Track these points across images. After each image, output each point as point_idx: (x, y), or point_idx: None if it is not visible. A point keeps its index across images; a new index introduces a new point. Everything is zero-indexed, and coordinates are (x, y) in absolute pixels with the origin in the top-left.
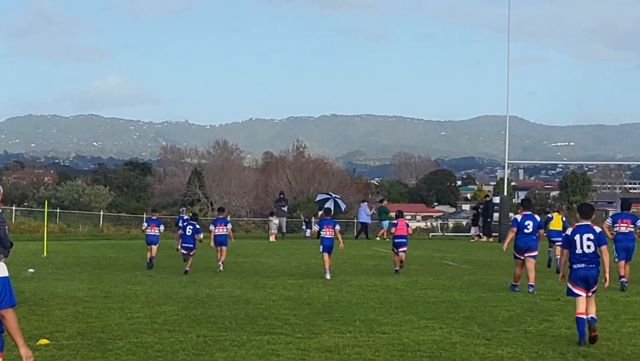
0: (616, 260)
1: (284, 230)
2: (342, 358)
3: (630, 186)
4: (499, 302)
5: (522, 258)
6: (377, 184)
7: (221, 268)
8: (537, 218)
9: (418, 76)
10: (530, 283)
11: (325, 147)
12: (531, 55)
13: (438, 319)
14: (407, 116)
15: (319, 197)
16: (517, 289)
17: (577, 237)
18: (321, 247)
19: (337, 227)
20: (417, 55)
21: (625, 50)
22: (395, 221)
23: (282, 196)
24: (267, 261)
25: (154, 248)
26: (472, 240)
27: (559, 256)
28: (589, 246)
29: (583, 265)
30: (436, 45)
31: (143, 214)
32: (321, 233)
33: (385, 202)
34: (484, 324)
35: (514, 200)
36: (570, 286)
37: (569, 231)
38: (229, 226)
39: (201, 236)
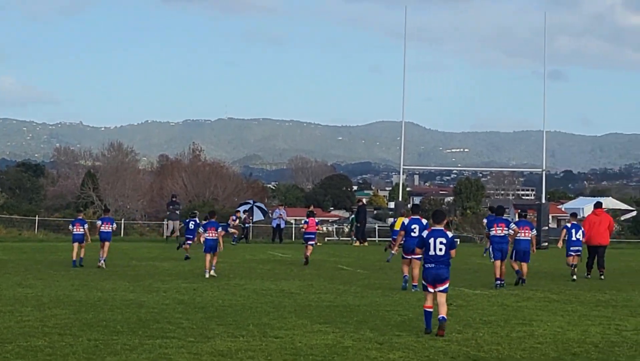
0: (491, 260)
1: (177, 233)
2: None
3: (523, 192)
4: (392, 306)
5: (409, 258)
6: (274, 188)
7: (101, 263)
8: (424, 221)
9: (316, 80)
10: (414, 283)
11: (221, 150)
12: (429, 61)
13: (331, 323)
14: (304, 121)
15: (241, 207)
16: (416, 288)
17: (431, 240)
18: (204, 247)
19: (220, 229)
20: (315, 60)
21: (521, 58)
22: (307, 220)
23: (174, 199)
24: (161, 264)
25: (77, 245)
26: (352, 244)
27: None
28: (440, 249)
29: (433, 265)
30: (334, 50)
31: (35, 217)
32: (205, 234)
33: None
34: (376, 328)
35: (408, 206)
36: (423, 283)
37: (424, 234)
38: (114, 225)
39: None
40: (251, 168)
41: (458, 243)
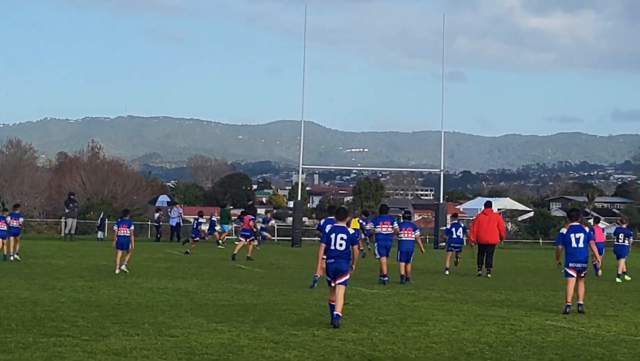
0: (377, 257)
1: (73, 231)
2: None
3: (422, 192)
4: (289, 306)
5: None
6: (173, 186)
7: (14, 256)
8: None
9: (216, 79)
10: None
11: (121, 148)
12: (329, 61)
13: (227, 322)
14: (205, 119)
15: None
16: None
17: (332, 235)
18: (116, 244)
19: (132, 227)
20: (216, 58)
21: (421, 59)
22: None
23: (72, 197)
24: (57, 262)
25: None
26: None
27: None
28: (341, 244)
29: (334, 259)
30: (235, 49)
31: None
32: (118, 231)
33: (229, 206)
34: (272, 327)
35: (308, 205)
36: (327, 278)
37: (327, 229)
38: (21, 219)
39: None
40: (151, 166)
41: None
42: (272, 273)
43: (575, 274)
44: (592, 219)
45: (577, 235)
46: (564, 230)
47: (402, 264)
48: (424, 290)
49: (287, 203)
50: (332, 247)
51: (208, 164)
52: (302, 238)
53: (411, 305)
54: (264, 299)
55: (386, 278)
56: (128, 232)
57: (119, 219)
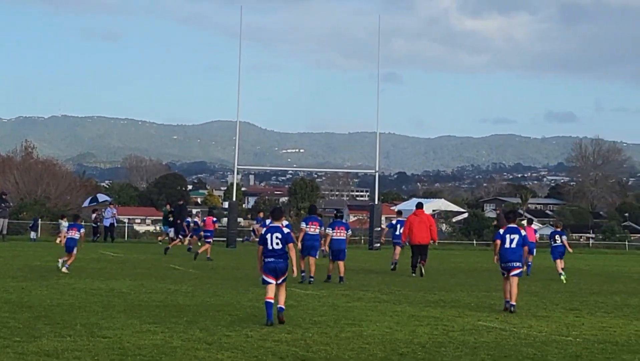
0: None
1: (4, 232)
2: None
3: (357, 193)
4: (223, 307)
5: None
6: (107, 186)
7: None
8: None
9: (151, 78)
10: (311, 276)
11: (55, 148)
12: (265, 62)
13: (161, 323)
14: (139, 119)
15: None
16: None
17: (268, 235)
18: (65, 247)
19: (82, 230)
20: (151, 58)
21: (357, 60)
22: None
23: (4, 196)
24: None
25: None
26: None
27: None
28: (277, 243)
29: (272, 259)
30: (171, 48)
31: None
32: (67, 233)
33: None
34: (206, 328)
35: (244, 205)
36: (263, 276)
37: (263, 231)
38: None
39: None
40: (85, 166)
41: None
42: (206, 274)
43: (506, 273)
44: (525, 221)
45: (512, 236)
46: (501, 231)
47: (335, 263)
48: (358, 291)
49: (222, 203)
50: (270, 247)
51: (143, 164)
52: (237, 239)
53: (345, 305)
54: (197, 300)
55: (312, 279)
56: (77, 235)
57: (71, 223)
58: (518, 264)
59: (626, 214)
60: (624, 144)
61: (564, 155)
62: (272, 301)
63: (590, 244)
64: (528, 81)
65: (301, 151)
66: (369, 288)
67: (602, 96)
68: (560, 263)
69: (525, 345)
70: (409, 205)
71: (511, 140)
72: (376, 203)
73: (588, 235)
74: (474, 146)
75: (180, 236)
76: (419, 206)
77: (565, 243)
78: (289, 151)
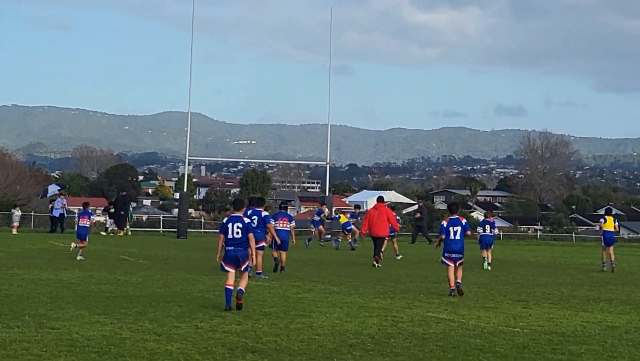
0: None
1: None
2: (8, 354)
3: (308, 185)
4: (173, 298)
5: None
6: (58, 177)
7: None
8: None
9: (103, 69)
10: (258, 271)
11: (4, 138)
12: (218, 53)
13: (110, 314)
14: (91, 109)
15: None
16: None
17: (229, 225)
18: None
19: (93, 217)
20: (103, 48)
21: (309, 52)
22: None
23: None
24: None
25: None
26: (110, 234)
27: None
28: (238, 233)
29: (233, 247)
30: (122, 39)
31: None
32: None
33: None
34: (155, 320)
35: (195, 196)
36: (223, 263)
37: (225, 220)
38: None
39: None
40: (35, 157)
41: None
42: (156, 265)
43: (451, 264)
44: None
45: (455, 228)
46: (444, 223)
47: (278, 252)
48: (308, 282)
49: (173, 194)
50: (230, 235)
51: (93, 155)
52: (188, 230)
53: (295, 296)
54: (147, 291)
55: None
56: (88, 223)
57: (81, 211)
58: (462, 254)
59: (573, 207)
60: (572, 138)
61: (512, 148)
62: (232, 287)
63: (538, 236)
64: (478, 75)
65: (253, 142)
66: (319, 279)
67: (551, 90)
68: (486, 253)
69: (473, 336)
70: (360, 197)
71: (461, 133)
72: (327, 194)
73: (536, 227)
74: (424, 139)
75: (117, 228)
76: (380, 199)
77: (495, 232)
78: (240, 142)
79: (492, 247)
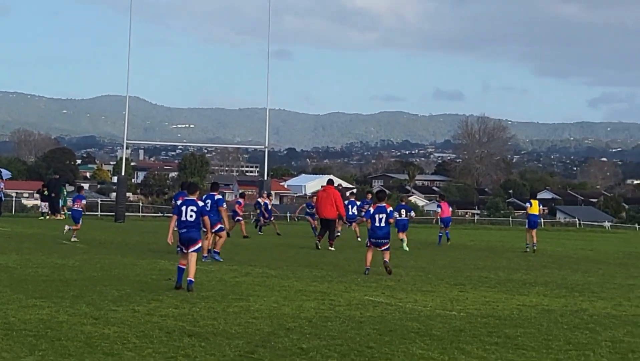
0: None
1: None
2: None
3: (247, 169)
4: (110, 281)
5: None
6: None
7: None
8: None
9: (41, 52)
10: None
11: None
12: (156, 37)
13: (47, 298)
14: (28, 93)
15: None
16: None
17: (184, 208)
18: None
19: (84, 201)
20: (41, 31)
21: (248, 36)
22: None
23: None
24: None
25: None
26: (45, 218)
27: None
28: (191, 216)
29: (185, 230)
30: (60, 22)
31: None
32: (73, 205)
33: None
34: (93, 303)
35: (133, 180)
36: (179, 246)
37: (179, 203)
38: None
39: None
40: None
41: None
42: (94, 249)
43: (377, 249)
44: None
45: (380, 215)
46: (371, 209)
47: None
48: (246, 266)
49: (111, 178)
50: (183, 218)
51: (31, 139)
52: (126, 214)
53: (233, 280)
54: (84, 275)
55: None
56: (81, 207)
57: (75, 195)
58: (386, 240)
59: (510, 191)
60: (510, 122)
61: (450, 133)
62: (184, 267)
63: (476, 220)
64: (417, 60)
65: (191, 126)
66: (257, 263)
67: (490, 74)
68: (402, 235)
69: (410, 319)
70: (298, 181)
71: (399, 117)
72: (266, 178)
73: (473, 211)
74: (363, 123)
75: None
76: (330, 182)
77: (410, 216)
78: (179, 126)
79: (407, 229)
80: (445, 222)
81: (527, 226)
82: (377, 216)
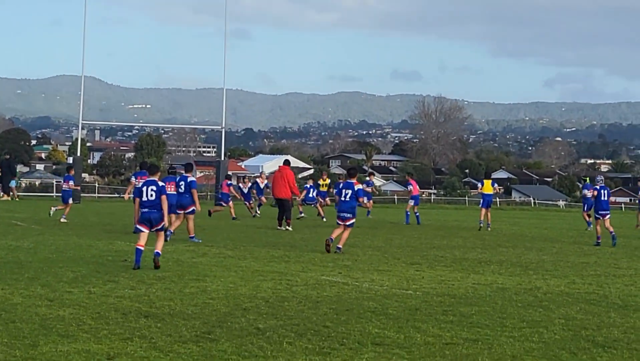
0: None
1: None
2: None
3: (204, 149)
4: (66, 263)
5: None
6: None
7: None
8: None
9: None
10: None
11: None
12: (112, 16)
13: (1, 280)
14: None
15: None
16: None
17: (144, 188)
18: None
19: (71, 182)
20: None
21: (206, 15)
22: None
23: None
24: None
25: None
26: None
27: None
28: (152, 195)
29: (147, 209)
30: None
31: None
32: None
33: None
34: (47, 285)
35: (89, 161)
36: (137, 225)
37: (140, 184)
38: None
39: None
40: None
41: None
42: (49, 230)
43: (341, 223)
44: (409, 176)
45: (346, 191)
46: (340, 185)
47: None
48: (202, 247)
49: (67, 158)
50: (145, 198)
51: None
52: (82, 195)
53: (189, 261)
54: (39, 257)
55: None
56: (69, 187)
57: (65, 175)
58: (350, 215)
59: (467, 171)
60: (466, 102)
61: (407, 113)
62: (143, 248)
63: (432, 200)
64: (375, 40)
65: (148, 106)
66: (214, 243)
67: (447, 55)
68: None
69: (366, 299)
70: (256, 161)
71: (357, 97)
72: (223, 158)
73: (430, 191)
74: (320, 103)
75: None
76: (286, 162)
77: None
78: (135, 106)
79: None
80: (415, 199)
81: (480, 205)
82: (343, 191)
